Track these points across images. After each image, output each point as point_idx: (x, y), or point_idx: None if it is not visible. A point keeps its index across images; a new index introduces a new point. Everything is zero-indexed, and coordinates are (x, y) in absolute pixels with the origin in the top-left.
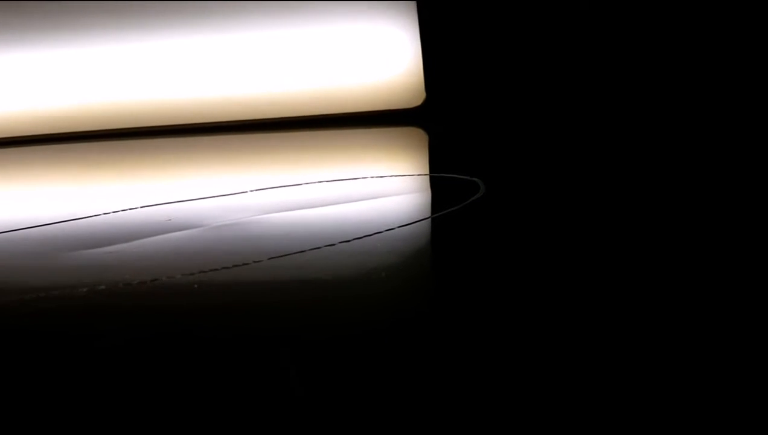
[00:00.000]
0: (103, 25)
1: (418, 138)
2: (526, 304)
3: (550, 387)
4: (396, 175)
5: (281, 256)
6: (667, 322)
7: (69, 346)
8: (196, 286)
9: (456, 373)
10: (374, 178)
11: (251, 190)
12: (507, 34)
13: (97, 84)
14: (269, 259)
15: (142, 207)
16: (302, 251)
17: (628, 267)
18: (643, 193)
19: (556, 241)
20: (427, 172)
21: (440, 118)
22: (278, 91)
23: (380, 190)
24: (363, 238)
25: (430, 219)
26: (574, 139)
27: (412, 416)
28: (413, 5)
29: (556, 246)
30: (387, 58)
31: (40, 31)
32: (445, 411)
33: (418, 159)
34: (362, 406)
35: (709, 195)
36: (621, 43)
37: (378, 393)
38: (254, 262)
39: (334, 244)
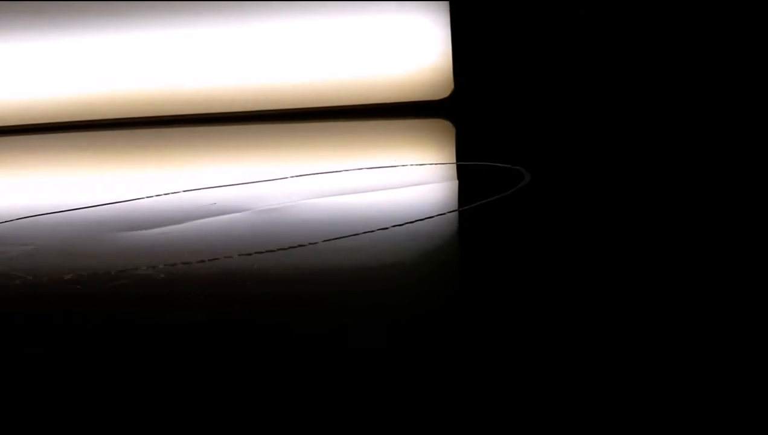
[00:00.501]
0: (139, 11)
1: (448, 129)
2: (580, 291)
3: (590, 379)
4: (437, 163)
5: (336, 238)
6: (718, 317)
7: (143, 322)
8: (255, 265)
9: (510, 358)
10: (414, 166)
11: (291, 177)
12: (536, 30)
13: (133, 71)
14: (324, 241)
15: (183, 191)
16: (356, 234)
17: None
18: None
19: (603, 228)
20: (467, 161)
21: (467, 110)
22: (306, 81)
23: (422, 178)
24: (415, 223)
25: (480, 205)
26: (603, 128)
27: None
28: None
29: (602, 234)
30: (416, 50)
31: (73, 19)
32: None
33: (453, 149)
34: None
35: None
36: (653, 31)
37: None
38: (310, 244)
39: (386, 228)
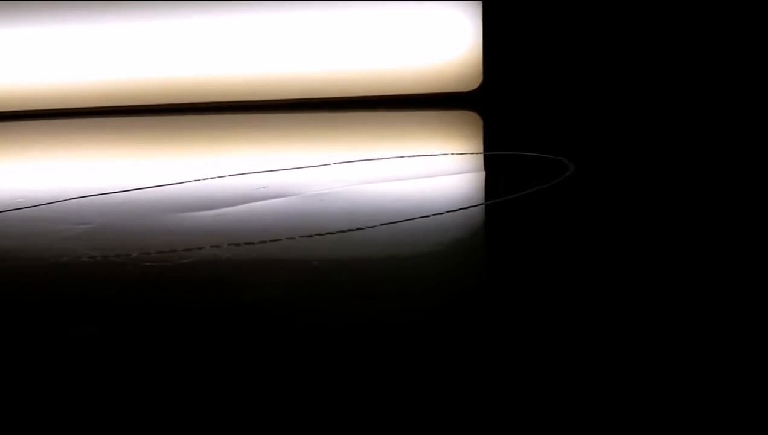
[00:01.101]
0: None
1: (477, 121)
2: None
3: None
4: (479, 153)
5: (394, 222)
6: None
7: (215, 299)
8: (317, 247)
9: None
10: (455, 155)
11: (333, 163)
12: (565, 26)
13: (170, 59)
14: (382, 224)
15: (229, 175)
16: (413, 218)
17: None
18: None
19: (652, 221)
20: (498, 151)
21: (495, 102)
22: (334, 71)
23: (463, 167)
24: (469, 208)
25: (528, 193)
26: (634, 120)
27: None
28: None
29: (652, 227)
30: (445, 42)
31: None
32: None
33: (484, 140)
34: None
35: None
36: (683, 23)
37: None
38: (368, 227)
39: (442, 213)
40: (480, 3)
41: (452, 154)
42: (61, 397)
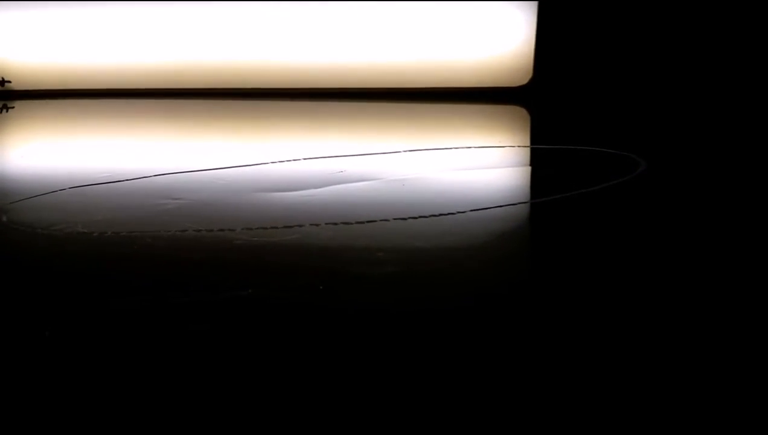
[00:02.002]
0: None
1: (526, 116)
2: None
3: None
4: (543, 146)
5: (482, 208)
6: None
7: (330, 273)
8: (410, 228)
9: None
10: (522, 148)
11: (404, 151)
12: (619, 29)
13: (242, 45)
14: (471, 210)
15: (304, 159)
16: (500, 206)
17: None
18: None
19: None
20: (556, 145)
21: (544, 98)
22: (386, 62)
23: (528, 160)
24: (555, 199)
25: (600, 188)
26: (691, 119)
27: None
28: None
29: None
30: (498, 37)
31: None
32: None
33: (539, 134)
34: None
35: None
36: (734, 23)
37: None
38: (458, 212)
39: (526, 202)
40: (535, 2)
41: (518, 146)
42: (199, 361)
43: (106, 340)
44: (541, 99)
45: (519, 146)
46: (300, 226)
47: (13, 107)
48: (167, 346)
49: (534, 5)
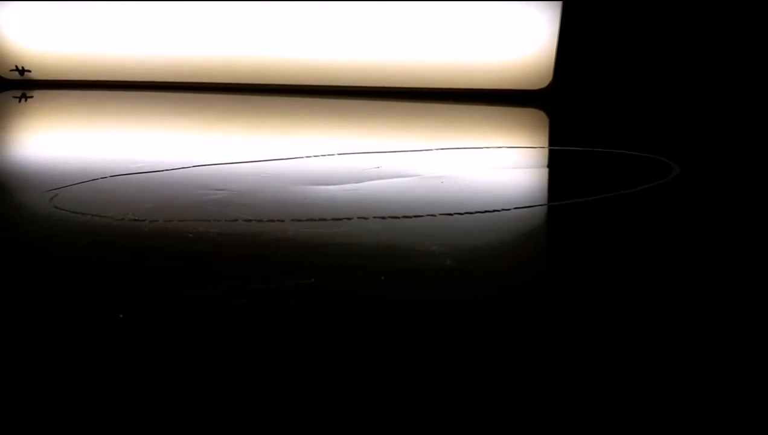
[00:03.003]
0: None
1: (548, 119)
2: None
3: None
4: (574, 148)
5: (525, 207)
6: None
7: (379, 266)
8: (458, 224)
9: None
10: (554, 149)
11: (436, 149)
12: (641, 36)
13: (264, 42)
14: (515, 208)
15: (339, 154)
16: (543, 205)
17: None
18: None
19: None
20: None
21: (563, 102)
22: (406, 60)
23: (559, 161)
24: (599, 198)
25: (641, 190)
26: (710, 124)
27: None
28: None
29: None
30: (519, 40)
31: None
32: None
33: (572, 137)
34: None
35: None
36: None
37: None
38: (504, 209)
39: (565, 202)
40: (560, 3)
41: (549, 148)
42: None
43: (177, 325)
44: (560, 102)
45: (551, 148)
46: (348, 218)
47: (32, 96)
48: (240, 330)
49: (557, 8)
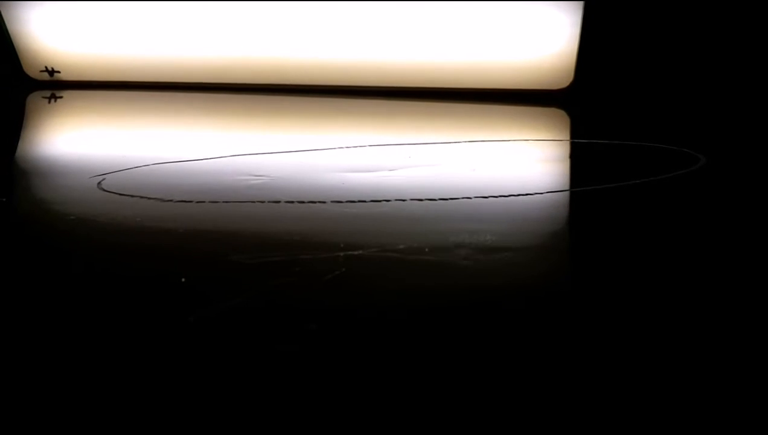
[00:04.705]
0: None
1: (569, 118)
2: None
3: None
4: (604, 142)
5: (558, 191)
6: None
7: (433, 240)
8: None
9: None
10: (578, 142)
11: (464, 141)
12: (662, 38)
13: (289, 43)
14: (548, 192)
15: (370, 146)
16: (573, 190)
17: None
18: None
19: None
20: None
21: (584, 102)
22: (429, 61)
23: (587, 154)
24: (623, 185)
25: (672, 176)
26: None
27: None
28: None
29: None
30: (540, 40)
31: None
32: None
33: (594, 134)
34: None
35: None
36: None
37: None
38: (537, 193)
39: (596, 187)
40: (581, 4)
41: (573, 140)
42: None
43: (239, 292)
44: (581, 102)
45: (576, 141)
46: (387, 200)
47: (61, 97)
48: (299, 296)
49: (578, 9)
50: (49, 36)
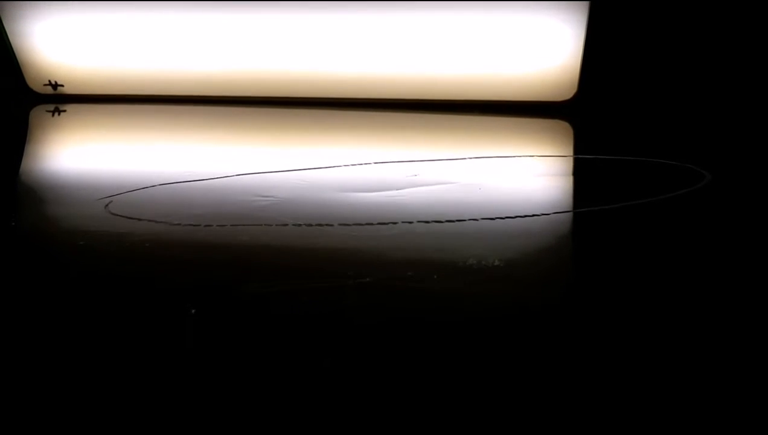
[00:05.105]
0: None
1: (573, 130)
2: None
3: None
4: (609, 157)
5: (564, 211)
6: None
7: (442, 265)
8: (495, 229)
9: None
10: (584, 158)
11: (470, 158)
12: (666, 49)
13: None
14: (555, 212)
15: (375, 163)
16: (580, 210)
17: None
18: None
19: None
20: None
21: (588, 114)
22: (433, 73)
23: (588, 170)
24: (631, 205)
25: (677, 195)
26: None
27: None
28: (585, 4)
29: None
30: (543, 52)
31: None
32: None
33: (598, 147)
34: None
35: None
36: None
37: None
38: (543, 214)
39: (598, 208)
40: (584, 17)
41: (581, 156)
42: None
43: (246, 320)
44: (585, 114)
45: (582, 157)
46: (394, 223)
47: (65, 110)
48: (308, 327)
49: (582, 22)
50: (53, 50)
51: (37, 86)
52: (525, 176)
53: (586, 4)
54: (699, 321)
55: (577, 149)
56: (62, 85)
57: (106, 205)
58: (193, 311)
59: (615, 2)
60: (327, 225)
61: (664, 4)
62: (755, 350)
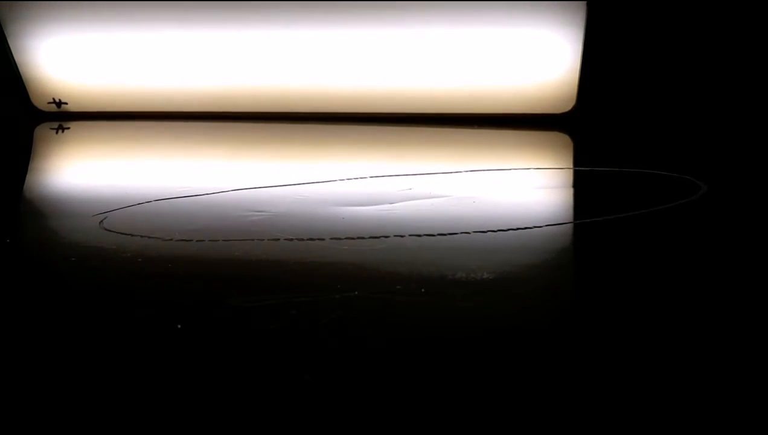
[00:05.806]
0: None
1: (572, 142)
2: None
3: None
4: (606, 169)
5: (557, 224)
6: None
7: (431, 279)
8: (490, 242)
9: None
10: (581, 170)
11: (466, 171)
12: (665, 61)
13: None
14: (546, 225)
15: (370, 177)
16: (573, 222)
17: None
18: None
19: None
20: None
21: (587, 126)
22: (430, 87)
23: (587, 182)
24: (628, 216)
25: (674, 206)
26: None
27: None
28: (581, 17)
29: None
30: (541, 65)
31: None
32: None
33: (598, 159)
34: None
35: None
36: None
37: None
38: (535, 227)
39: (594, 219)
40: (582, 30)
41: (578, 168)
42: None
43: (236, 336)
44: (584, 126)
45: (578, 169)
46: (386, 237)
47: (68, 128)
48: (295, 341)
49: (579, 34)
50: (57, 68)
51: (42, 104)
52: (519, 189)
53: (584, 18)
54: (697, 332)
55: (576, 161)
56: (66, 103)
57: (101, 221)
58: (179, 326)
59: (612, 16)
60: (318, 239)
61: (661, 17)
62: (753, 360)
